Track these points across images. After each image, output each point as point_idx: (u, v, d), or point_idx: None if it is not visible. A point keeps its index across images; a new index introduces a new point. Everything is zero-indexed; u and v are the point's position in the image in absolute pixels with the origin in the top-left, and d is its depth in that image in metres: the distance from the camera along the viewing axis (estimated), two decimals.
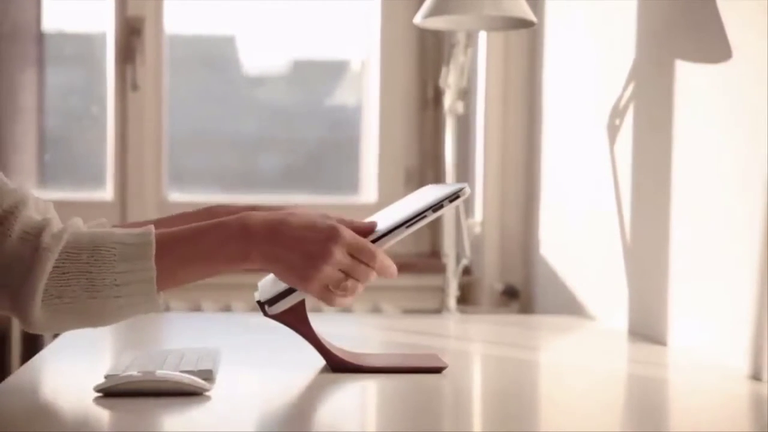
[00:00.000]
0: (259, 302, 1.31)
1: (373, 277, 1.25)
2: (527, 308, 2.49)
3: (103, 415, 1.12)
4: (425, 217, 1.27)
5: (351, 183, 2.85)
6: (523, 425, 1.13)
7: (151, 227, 1.20)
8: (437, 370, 1.36)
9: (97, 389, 1.17)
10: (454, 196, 1.27)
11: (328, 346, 1.35)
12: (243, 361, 1.44)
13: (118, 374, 1.20)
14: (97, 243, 1.17)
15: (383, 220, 1.30)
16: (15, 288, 1.14)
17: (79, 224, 1.41)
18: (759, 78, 1.38)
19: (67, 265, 1.15)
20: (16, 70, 2.78)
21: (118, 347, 1.64)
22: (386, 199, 2.74)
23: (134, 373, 1.19)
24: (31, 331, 1.18)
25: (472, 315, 2.38)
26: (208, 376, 1.26)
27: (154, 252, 1.17)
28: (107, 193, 2.71)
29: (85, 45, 2.85)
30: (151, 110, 2.71)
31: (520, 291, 2.51)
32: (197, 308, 2.51)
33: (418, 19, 2.03)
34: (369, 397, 1.29)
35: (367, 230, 1.27)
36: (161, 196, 2.72)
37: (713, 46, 1.52)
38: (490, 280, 2.54)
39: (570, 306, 2.15)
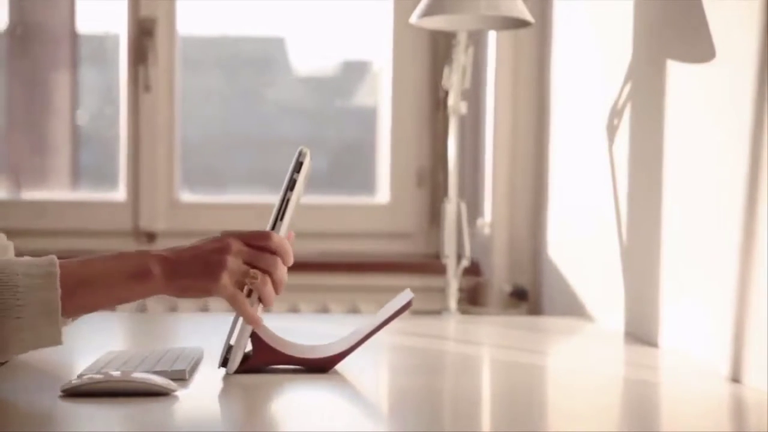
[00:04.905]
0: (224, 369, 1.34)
1: (279, 265, 1.28)
2: (536, 310, 2.47)
3: (60, 415, 1.13)
4: (288, 199, 1.31)
5: (368, 184, 2.85)
6: (520, 426, 1.13)
7: (53, 256, 1.22)
8: (406, 308, 1.36)
9: (63, 390, 1.17)
10: (298, 165, 1.31)
11: (301, 355, 1.35)
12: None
13: (89, 374, 1.21)
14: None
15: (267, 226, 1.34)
16: None
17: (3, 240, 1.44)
18: (744, 77, 1.36)
19: None
20: (48, 71, 2.82)
21: (111, 346, 1.64)
22: (399, 199, 2.74)
23: (111, 372, 1.20)
24: None
25: (472, 316, 2.38)
26: (181, 376, 1.27)
27: (58, 272, 1.19)
28: (120, 193, 2.73)
29: (100, 46, 2.87)
30: (164, 111, 2.72)
31: (529, 292, 2.50)
32: (204, 309, 2.52)
33: (413, 18, 2.03)
34: (368, 399, 1.29)
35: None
36: (173, 196, 2.74)
37: (701, 46, 1.51)
38: (499, 282, 2.53)
39: (577, 308, 2.14)
